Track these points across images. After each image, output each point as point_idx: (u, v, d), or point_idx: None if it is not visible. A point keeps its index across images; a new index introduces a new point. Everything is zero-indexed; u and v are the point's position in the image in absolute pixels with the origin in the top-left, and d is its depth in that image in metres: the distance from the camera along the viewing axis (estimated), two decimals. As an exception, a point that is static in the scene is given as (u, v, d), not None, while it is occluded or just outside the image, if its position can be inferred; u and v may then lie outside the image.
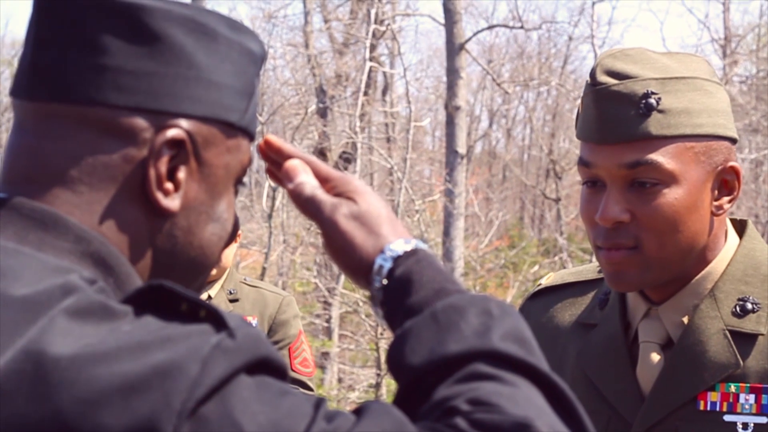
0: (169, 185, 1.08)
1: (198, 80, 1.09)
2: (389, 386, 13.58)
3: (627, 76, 1.61)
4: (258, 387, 0.94)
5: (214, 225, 1.13)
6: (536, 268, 17.50)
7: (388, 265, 1.10)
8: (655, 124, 1.59)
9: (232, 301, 4.71)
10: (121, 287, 1.05)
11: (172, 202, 1.09)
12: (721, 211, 1.67)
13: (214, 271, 4.64)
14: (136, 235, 1.08)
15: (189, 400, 0.90)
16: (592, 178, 1.65)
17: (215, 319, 0.96)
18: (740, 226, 1.77)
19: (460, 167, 15.27)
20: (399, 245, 1.11)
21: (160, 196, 1.08)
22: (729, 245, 1.72)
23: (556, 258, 17.68)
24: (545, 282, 1.92)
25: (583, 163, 1.66)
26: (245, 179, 1.20)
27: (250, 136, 1.18)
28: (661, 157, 1.60)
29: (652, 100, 1.59)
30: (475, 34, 16.70)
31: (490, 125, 28.39)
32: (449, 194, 15.13)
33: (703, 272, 1.69)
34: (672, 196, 1.61)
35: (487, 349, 1.00)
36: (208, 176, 1.11)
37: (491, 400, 0.96)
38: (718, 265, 1.70)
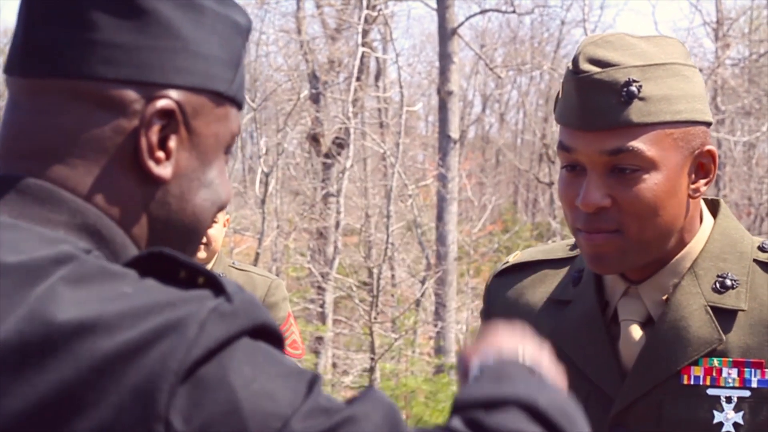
0: (160, 154, 1.11)
1: (186, 52, 1.12)
2: (383, 370, 13.63)
3: (609, 63, 1.62)
4: (254, 353, 0.97)
5: (205, 191, 1.17)
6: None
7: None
8: (636, 112, 1.62)
9: (221, 284, 4.73)
10: (117, 257, 1.08)
11: (164, 170, 1.12)
12: (698, 194, 1.70)
13: (204, 255, 4.66)
14: (131, 205, 1.11)
15: (185, 361, 0.93)
16: (573, 163, 1.67)
17: (214, 285, 0.99)
18: (713, 206, 1.80)
19: (453, 152, 15.28)
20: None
21: (152, 164, 1.11)
22: (705, 225, 1.75)
23: (550, 242, 17.68)
24: (512, 259, 1.92)
25: (563, 147, 1.68)
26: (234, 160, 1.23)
27: (239, 105, 1.21)
28: (642, 144, 1.62)
29: (634, 88, 1.61)
30: (467, 19, 16.67)
31: (483, 110, 28.37)
32: (442, 179, 15.14)
33: (681, 252, 1.72)
34: (652, 181, 1.63)
35: (529, 403, 1.06)
36: (198, 144, 1.14)
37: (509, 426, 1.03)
38: (695, 244, 1.73)
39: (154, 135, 1.11)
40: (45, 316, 0.94)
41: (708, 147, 1.69)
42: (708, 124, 1.69)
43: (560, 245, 1.91)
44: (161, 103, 1.11)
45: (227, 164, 1.21)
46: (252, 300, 0.99)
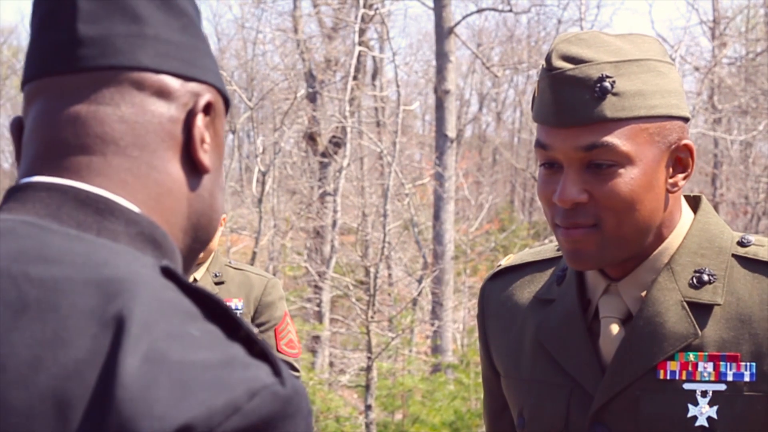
0: (206, 144, 1.15)
1: (207, 53, 1.18)
2: (380, 369, 13.63)
3: (582, 60, 1.64)
4: None
5: (221, 193, 1.20)
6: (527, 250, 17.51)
7: None
8: (610, 107, 1.63)
9: (217, 283, 4.72)
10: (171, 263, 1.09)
11: (209, 160, 1.16)
12: (676, 188, 1.71)
13: (200, 254, 4.64)
14: (180, 194, 1.14)
15: (224, 423, 0.90)
16: (550, 160, 1.69)
17: (269, 361, 0.97)
18: (694, 202, 1.81)
19: (449, 151, 15.29)
20: None
21: (201, 152, 1.14)
22: (684, 221, 1.76)
23: (546, 241, 17.71)
24: (505, 263, 1.95)
25: (540, 145, 1.69)
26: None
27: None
28: (617, 139, 1.63)
29: (607, 84, 1.62)
30: (464, 18, 16.68)
31: (480, 109, 28.39)
32: (439, 178, 15.15)
33: (659, 248, 1.73)
34: (628, 176, 1.64)
35: None
36: (217, 146, 1.18)
37: None
38: (674, 240, 1.74)
39: (202, 126, 1.14)
40: (162, 352, 0.92)
41: (685, 141, 1.70)
42: (685, 120, 1.70)
43: (549, 247, 1.93)
44: (206, 97, 1.15)
45: None
46: (302, 389, 0.98)
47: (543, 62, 1.68)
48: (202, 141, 1.14)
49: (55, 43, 1.13)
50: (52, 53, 1.13)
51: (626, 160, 1.64)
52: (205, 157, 1.15)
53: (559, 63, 1.64)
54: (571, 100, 1.64)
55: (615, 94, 1.63)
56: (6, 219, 1.05)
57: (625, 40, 1.70)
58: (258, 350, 0.97)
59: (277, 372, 0.96)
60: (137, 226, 1.08)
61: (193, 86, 1.14)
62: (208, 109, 1.15)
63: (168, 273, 1.02)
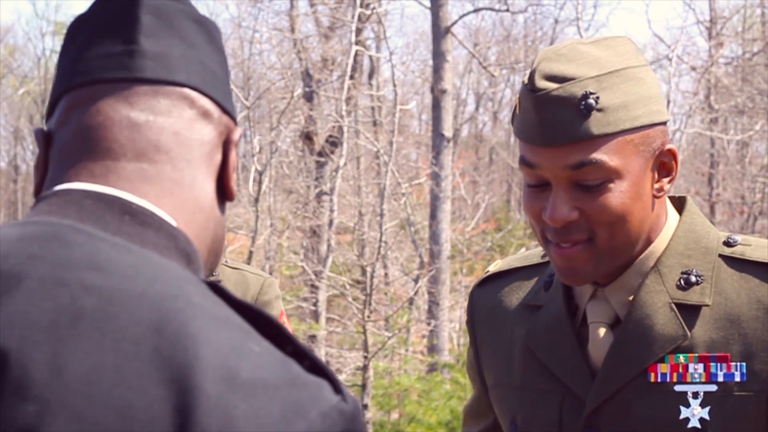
0: (235, 174, 1.19)
1: (231, 92, 1.23)
2: (376, 369, 13.63)
3: (564, 78, 1.63)
4: None
5: (225, 225, 1.23)
6: (523, 250, 17.51)
7: None
8: (596, 124, 1.62)
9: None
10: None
11: (235, 189, 1.19)
12: (661, 193, 1.71)
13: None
14: (211, 213, 1.17)
15: None
16: (538, 181, 1.68)
17: (324, 376, 0.99)
18: (679, 203, 1.81)
19: (446, 150, 15.30)
20: None
21: (232, 179, 1.19)
22: (669, 223, 1.76)
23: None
24: (493, 269, 1.95)
25: (525, 163, 1.68)
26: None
27: None
28: (604, 155, 1.63)
29: (591, 101, 1.62)
30: (460, 17, 16.70)
31: (477, 108, 28.41)
32: (435, 177, 15.16)
33: (646, 252, 1.73)
34: (618, 189, 1.64)
35: None
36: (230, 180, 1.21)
37: None
38: (660, 242, 1.74)
39: (235, 156, 1.19)
40: (234, 371, 0.93)
41: (668, 146, 1.70)
42: (665, 122, 1.71)
43: (536, 252, 1.92)
44: (239, 131, 1.20)
45: None
46: (357, 403, 0.99)
47: (525, 80, 1.67)
48: (234, 169, 1.19)
49: (115, 53, 1.15)
50: (112, 61, 1.15)
51: (615, 174, 1.64)
52: (234, 185, 1.19)
53: (542, 83, 1.63)
54: (557, 119, 1.63)
55: (599, 110, 1.63)
56: (48, 222, 1.04)
57: (601, 46, 1.69)
58: (310, 365, 0.98)
59: (337, 389, 0.97)
60: (175, 241, 1.09)
61: (227, 119, 1.19)
62: (236, 143, 1.20)
63: (215, 289, 1.03)
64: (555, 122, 1.63)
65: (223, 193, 1.18)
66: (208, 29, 1.20)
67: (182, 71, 1.15)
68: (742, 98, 18.52)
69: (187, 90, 1.15)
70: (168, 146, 1.13)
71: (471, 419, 2.03)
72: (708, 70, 18.28)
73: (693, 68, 18.88)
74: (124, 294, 0.96)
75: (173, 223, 1.10)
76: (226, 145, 1.18)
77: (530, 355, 1.80)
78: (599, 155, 1.63)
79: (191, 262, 1.10)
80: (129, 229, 1.06)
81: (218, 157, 1.17)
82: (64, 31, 1.23)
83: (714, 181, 19.99)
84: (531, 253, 1.94)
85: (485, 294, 1.93)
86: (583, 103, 1.62)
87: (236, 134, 1.19)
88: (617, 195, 1.64)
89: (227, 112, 1.19)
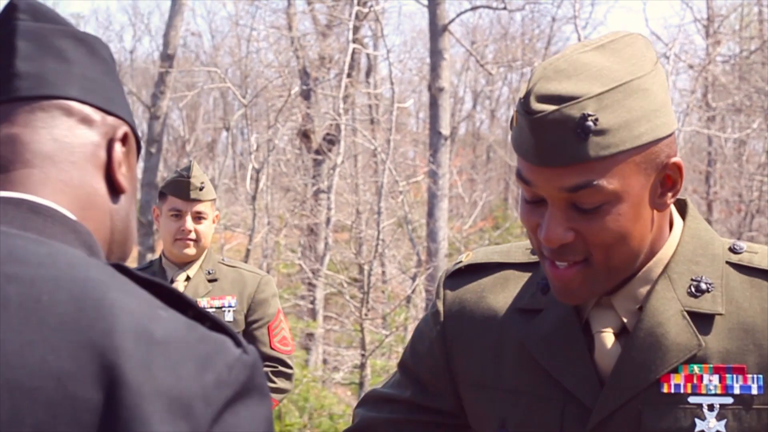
0: (123, 168, 1.32)
1: (123, 96, 1.37)
2: (374, 367, 13.63)
3: (561, 98, 1.54)
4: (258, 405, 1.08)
5: (134, 219, 1.36)
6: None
7: None
8: (593, 147, 1.54)
9: (210, 281, 4.72)
10: None
11: (125, 182, 1.32)
12: (664, 207, 1.64)
13: (193, 252, 4.65)
14: (104, 207, 1.30)
15: (218, 397, 1.03)
16: (533, 197, 1.62)
17: (227, 333, 1.09)
18: (679, 206, 1.76)
19: (443, 148, 15.28)
20: None
21: (120, 174, 1.31)
22: (675, 229, 1.71)
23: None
24: (465, 260, 1.87)
25: (522, 179, 1.62)
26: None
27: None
28: (603, 178, 1.55)
29: (589, 123, 1.53)
30: (458, 15, 16.66)
31: (474, 106, 28.41)
32: (433, 175, 15.15)
33: (652, 261, 1.68)
34: (616, 212, 1.58)
35: None
36: (132, 177, 1.34)
37: None
38: (667, 250, 1.69)
39: (120, 152, 1.32)
40: (149, 331, 1.03)
41: (674, 160, 1.61)
42: (672, 133, 1.62)
43: (518, 248, 1.85)
44: (123, 129, 1.33)
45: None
46: (257, 355, 1.10)
47: (521, 96, 1.59)
48: (120, 165, 1.31)
49: None
50: None
51: (613, 197, 1.56)
52: (123, 179, 1.31)
53: (538, 106, 1.54)
54: (553, 141, 1.54)
55: (598, 132, 1.54)
56: None
57: (607, 52, 1.60)
58: (211, 325, 1.09)
59: (237, 342, 1.08)
60: (78, 234, 1.21)
61: (112, 120, 1.32)
62: (124, 140, 1.33)
63: (120, 269, 1.13)
64: (550, 145, 1.55)
65: (113, 187, 1.31)
66: (89, 44, 1.34)
67: (57, 86, 1.29)
68: (739, 96, 18.52)
69: (63, 101, 1.29)
70: (50, 152, 1.25)
71: (375, 403, 1.94)
72: (705, 68, 18.28)
73: (690, 66, 18.87)
74: (43, 279, 1.06)
75: (73, 217, 1.22)
76: (110, 143, 1.31)
77: (527, 360, 1.74)
78: (597, 178, 1.55)
79: (93, 253, 1.21)
80: (38, 225, 1.18)
81: (103, 155, 1.30)
82: None
83: (711, 179, 19.99)
84: (512, 247, 1.86)
85: (459, 286, 1.84)
86: (580, 126, 1.53)
87: (119, 132, 1.32)
88: (615, 218, 1.58)
89: (114, 114, 1.32)
